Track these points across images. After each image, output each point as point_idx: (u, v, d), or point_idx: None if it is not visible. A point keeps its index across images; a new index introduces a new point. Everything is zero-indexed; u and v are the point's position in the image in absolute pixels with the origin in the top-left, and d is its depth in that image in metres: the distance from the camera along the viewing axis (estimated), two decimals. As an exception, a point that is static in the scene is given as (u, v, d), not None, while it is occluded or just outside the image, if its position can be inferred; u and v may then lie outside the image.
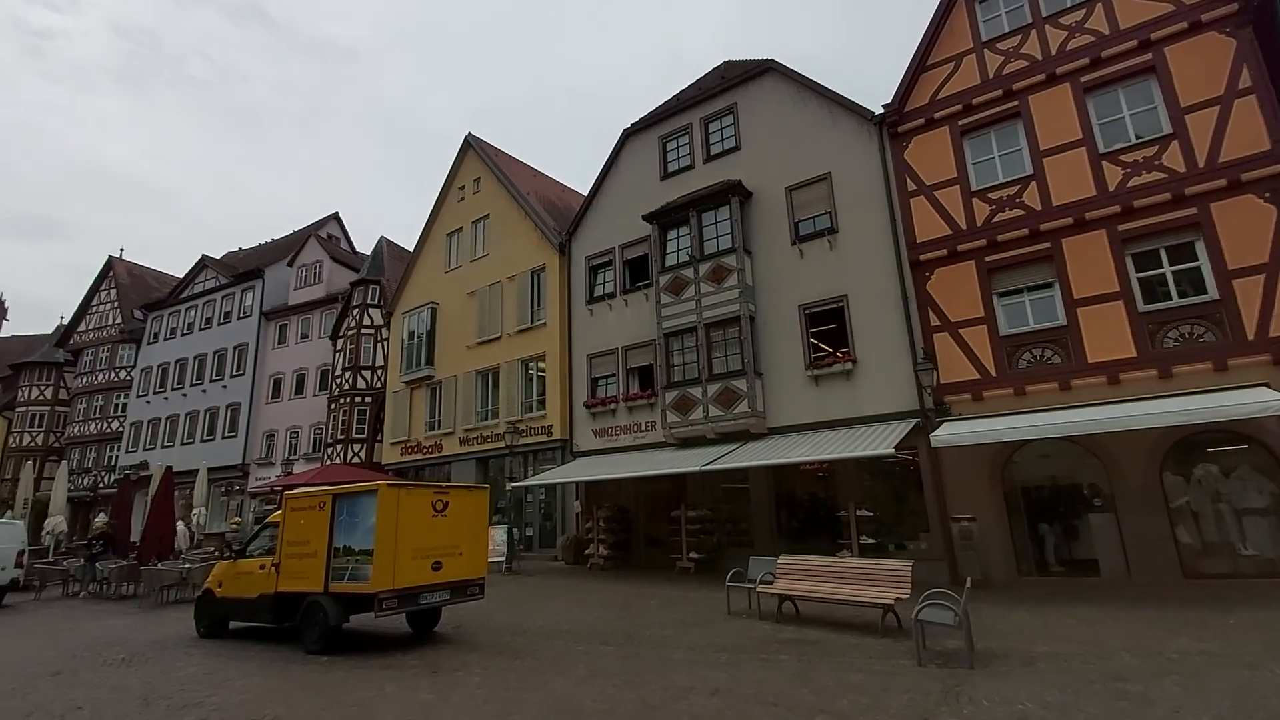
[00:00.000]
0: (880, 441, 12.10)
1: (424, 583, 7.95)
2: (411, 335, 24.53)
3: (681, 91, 19.21)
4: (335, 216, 38.88)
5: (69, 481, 24.73)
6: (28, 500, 26.18)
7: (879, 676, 6.03)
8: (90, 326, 38.62)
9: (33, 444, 36.76)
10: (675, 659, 6.91)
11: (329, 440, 26.39)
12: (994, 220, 13.23)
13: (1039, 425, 10.91)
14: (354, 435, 25.96)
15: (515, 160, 25.92)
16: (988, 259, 13.21)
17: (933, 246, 13.79)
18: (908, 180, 14.45)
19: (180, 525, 18.37)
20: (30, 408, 37.58)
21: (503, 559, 16.53)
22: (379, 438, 25.66)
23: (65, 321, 39.68)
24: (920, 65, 14.67)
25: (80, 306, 39.35)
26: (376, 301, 27.01)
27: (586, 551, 16.80)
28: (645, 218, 17.80)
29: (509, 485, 18.73)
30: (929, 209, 14.06)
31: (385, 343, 26.45)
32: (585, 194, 21.63)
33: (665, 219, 17.46)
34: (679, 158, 18.57)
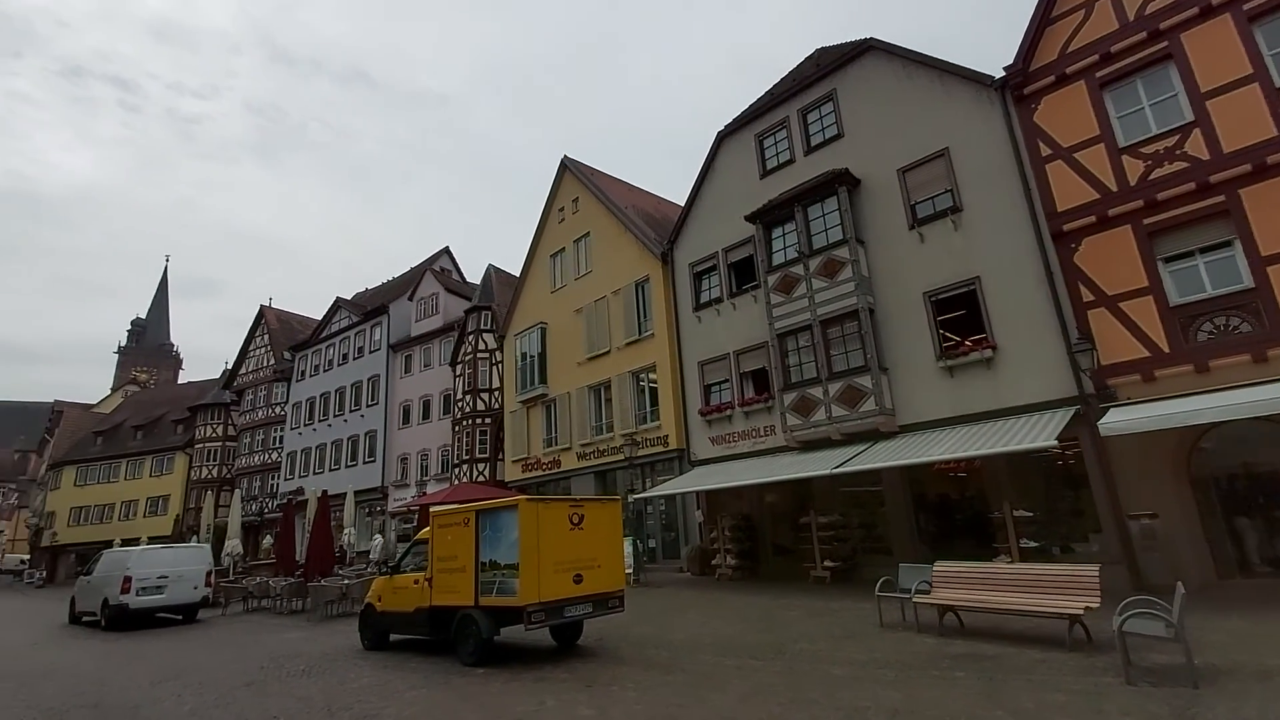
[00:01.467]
0: (1036, 433, 10.96)
1: (567, 596, 8.02)
2: (524, 356, 25.45)
3: (775, 86, 18.70)
4: (446, 250, 41.38)
5: (241, 508, 27.76)
6: (209, 526, 29.64)
7: (1085, 697, 5.30)
8: (249, 369, 43.46)
9: (209, 476, 41.69)
10: (837, 675, 6.47)
11: (455, 461, 27.88)
12: (1151, 178, 11.73)
13: (1231, 405, 9.43)
14: (478, 455, 27.27)
15: (610, 177, 26.37)
16: (1147, 221, 11.71)
17: (1078, 214, 12.44)
18: (1040, 145, 13.17)
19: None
20: (206, 444, 42.70)
21: (630, 571, 16.54)
22: (500, 456, 26.76)
23: (229, 366, 44.88)
24: (1044, 18, 13.37)
25: (240, 352, 44.43)
26: (489, 326, 28.32)
27: (713, 562, 16.48)
28: (747, 218, 17.41)
29: (630, 497, 18.80)
30: (1069, 174, 12.71)
31: (500, 365, 27.64)
32: (682, 203, 21.57)
33: (768, 217, 16.98)
34: (778, 153, 18.04)
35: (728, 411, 17.78)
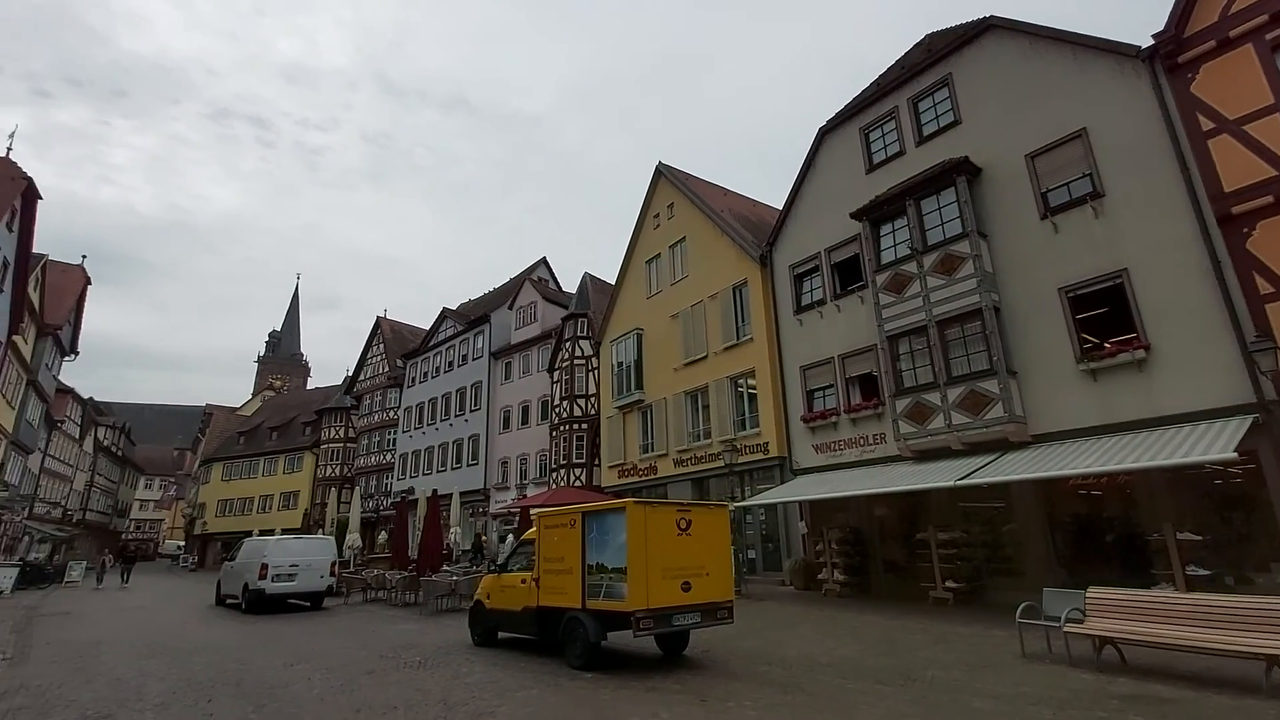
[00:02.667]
0: (1206, 445, 9.54)
1: (676, 604, 7.77)
2: (620, 362, 25.60)
3: (881, 75, 17.77)
4: (543, 261, 42.61)
5: (360, 505, 29.73)
6: (333, 520, 31.95)
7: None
8: (367, 376, 46.71)
9: (333, 474, 45.10)
10: (980, 709, 5.80)
11: (553, 465, 28.45)
12: (1350, 146, 9.99)
13: None
14: (574, 460, 27.67)
15: (705, 182, 26.12)
16: (1344, 199, 9.98)
17: (1251, 194, 10.84)
18: (1200, 119, 11.62)
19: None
20: (330, 445, 46.27)
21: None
22: (596, 461, 27.03)
23: (350, 373, 48.46)
24: (1204, -25, 11.81)
25: (359, 360, 47.88)
26: (585, 333, 28.76)
27: (819, 576, 15.70)
28: (853, 215, 16.58)
29: (730, 505, 18.28)
30: (1238, 149, 11.12)
31: (596, 371, 27.98)
32: (778, 206, 20.94)
33: (876, 214, 16.09)
34: (885, 146, 17.09)
35: (833, 418, 16.95)
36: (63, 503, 43.85)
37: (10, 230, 21.88)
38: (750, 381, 19.90)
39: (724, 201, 24.62)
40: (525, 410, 32.48)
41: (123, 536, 61.75)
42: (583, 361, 28.47)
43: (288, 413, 55.34)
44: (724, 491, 19.87)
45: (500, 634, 10.15)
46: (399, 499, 36.02)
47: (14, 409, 27.03)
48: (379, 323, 47.45)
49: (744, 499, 17.73)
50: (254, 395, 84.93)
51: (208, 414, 64.08)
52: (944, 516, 14.23)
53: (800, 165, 19.46)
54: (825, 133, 18.87)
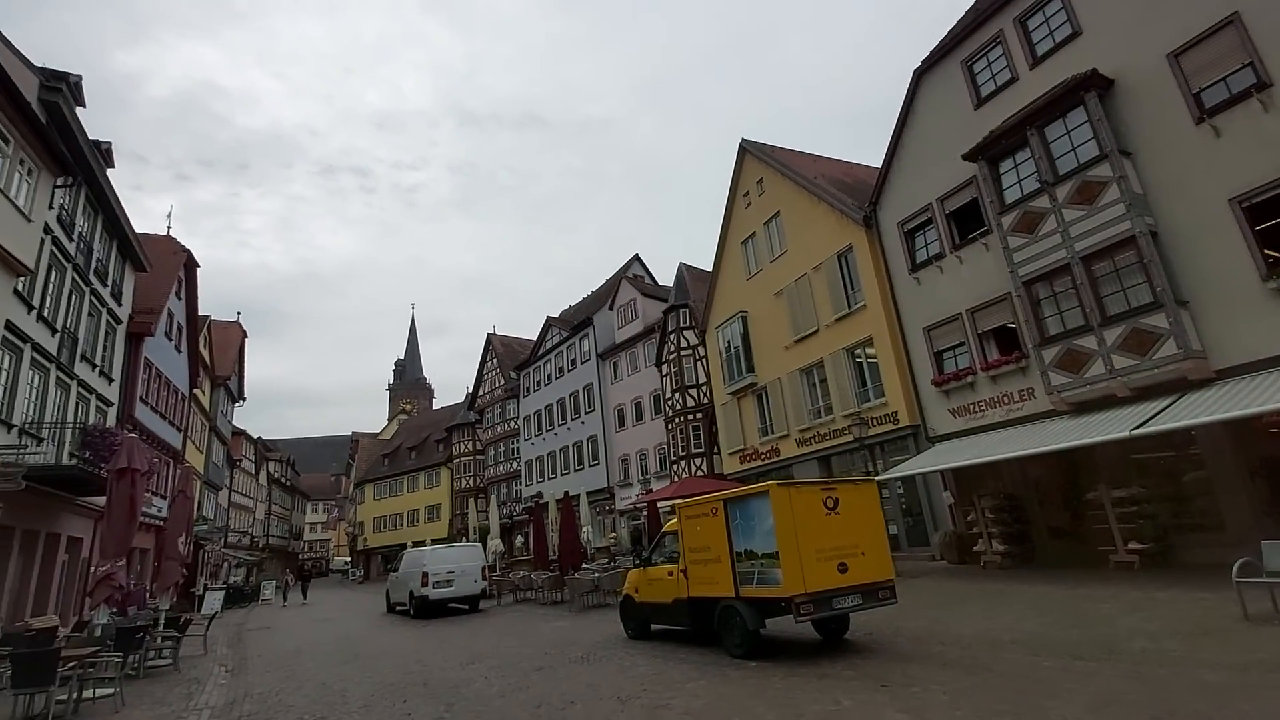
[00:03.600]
0: None
1: (834, 586, 7.49)
2: (727, 347, 25.28)
3: (977, 1, 16.25)
4: (636, 258, 42.96)
5: (498, 511, 31.49)
6: (475, 528, 34.05)
7: None
8: (485, 391, 49.33)
9: (467, 486, 48.09)
10: (1213, 683, 5.11)
11: (672, 458, 28.63)
12: None
13: None
14: (693, 450, 27.68)
15: (792, 151, 25.16)
16: None
17: None
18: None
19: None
20: (461, 459, 49.34)
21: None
22: (715, 450, 26.90)
23: (469, 390, 51.41)
24: None
25: (476, 376, 50.63)
26: (688, 324, 28.66)
27: (975, 549, 14.66)
28: (965, 157, 15.29)
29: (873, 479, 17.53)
30: None
31: (704, 360, 27.81)
32: (876, 164, 19.74)
33: (993, 150, 14.74)
34: (994, 76, 15.60)
35: (968, 379, 15.77)
36: (249, 531, 49.92)
37: (179, 298, 25.08)
38: (869, 350, 18.96)
39: (815, 168, 23.58)
40: (638, 407, 32.92)
41: (299, 557, 69.46)
42: (689, 351, 28.41)
43: (421, 433, 59.66)
44: (852, 468, 19.09)
45: (653, 626, 10.29)
46: (530, 504, 37.75)
47: (202, 452, 31.03)
48: (490, 339, 49.89)
49: (878, 473, 16.94)
50: (390, 420, 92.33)
51: (354, 441, 70.57)
52: (1115, 473, 12.82)
53: (897, 115, 18.22)
54: (921, 74, 17.53)
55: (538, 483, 39.81)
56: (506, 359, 47.60)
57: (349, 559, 67.26)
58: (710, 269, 27.44)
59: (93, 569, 13.90)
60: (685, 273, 31.17)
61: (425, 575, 17.09)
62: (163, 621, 12.19)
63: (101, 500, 13.05)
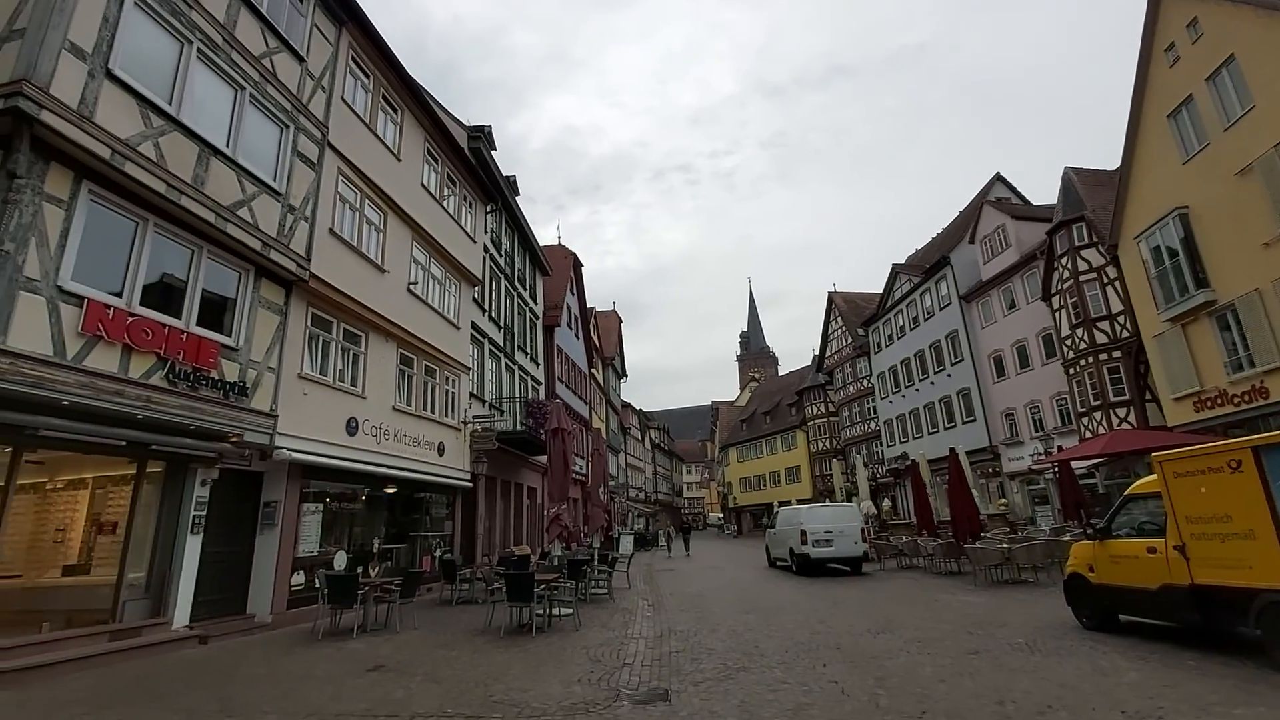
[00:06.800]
0: None
1: None
2: (1158, 259, 19.11)
3: None
4: (998, 177, 36.35)
5: (866, 472, 30.27)
6: (841, 489, 33.43)
7: None
8: (833, 351, 48.01)
9: (824, 448, 47.70)
10: None
11: (1080, 410, 23.14)
12: None
13: None
14: (1111, 399, 21.88)
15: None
16: None
17: None
18: None
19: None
20: (815, 420, 49.18)
21: None
22: (1147, 396, 20.78)
23: (816, 352, 50.73)
24: None
25: (822, 337, 49.65)
26: (1088, 241, 22.65)
27: None
28: None
29: None
30: None
31: (1116, 282, 21.67)
32: None
33: None
34: None
35: None
36: (644, 487, 58.80)
37: (574, 294, 30.42)
38: None
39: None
40: (1021, 351, 27.67)
41: (681, 512, 79.23)
42: (1092, 275, 22.46)
43: (772, 398, 61.63)
44: None
45: (1121, 617, 8.05)
46: (896, 465, 35.33)
47: (603, 421, 37.31)
48: (831, 297, 48.22)
49: None
50: (742, 388, 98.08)
51: (714, 409, 77.06)
52: None
53: None
54: None
55: (900, 442, 37.01)
56: (851, 316, 45.37)
57: (721, 515, 73.96)
58: (1113, 168, 21.12)
59: (547, 511, 17.60)
60: (1074, 178, 24.72)
61: (804, 533, 17.09)
62: (596, 558, 14.68)
63: (544, 458, 16.41)
